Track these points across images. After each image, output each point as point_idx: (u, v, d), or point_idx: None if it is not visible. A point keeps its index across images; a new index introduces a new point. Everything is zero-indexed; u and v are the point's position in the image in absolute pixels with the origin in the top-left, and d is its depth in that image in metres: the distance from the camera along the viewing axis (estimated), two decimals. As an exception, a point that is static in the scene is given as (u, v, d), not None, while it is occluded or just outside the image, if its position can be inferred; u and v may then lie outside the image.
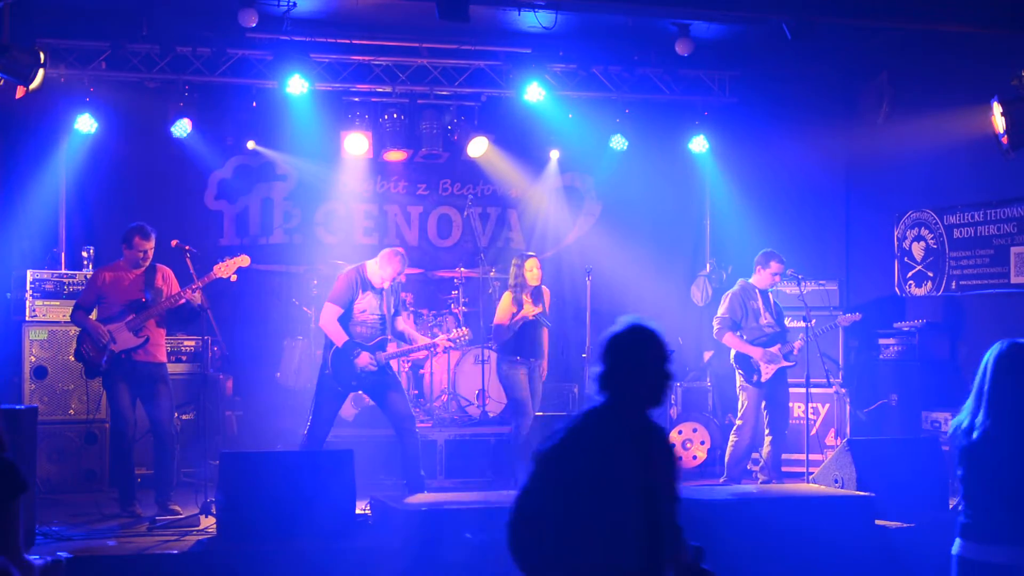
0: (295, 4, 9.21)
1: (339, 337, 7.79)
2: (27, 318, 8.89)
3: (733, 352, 8.89)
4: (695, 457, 10.12)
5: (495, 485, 8.82)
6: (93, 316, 7.81)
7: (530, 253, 8.87)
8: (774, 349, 8.83)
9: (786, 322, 9.20)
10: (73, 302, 8.06)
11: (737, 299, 8.94)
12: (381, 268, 7.89)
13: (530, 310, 8.56)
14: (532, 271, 8.67)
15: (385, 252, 8.00)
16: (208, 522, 6.99)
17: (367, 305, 7.87)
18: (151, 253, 7.79)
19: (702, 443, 10.13)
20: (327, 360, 7.83)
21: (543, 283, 8.90)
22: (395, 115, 10.41)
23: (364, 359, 7.78)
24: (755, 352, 8.79)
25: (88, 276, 8.61)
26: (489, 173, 11.16)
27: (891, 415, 9.56)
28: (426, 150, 10.59)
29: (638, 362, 3.54)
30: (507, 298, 8.71)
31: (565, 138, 10.97)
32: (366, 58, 10.30)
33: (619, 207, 11.42)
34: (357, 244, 10.85)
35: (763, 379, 8.77)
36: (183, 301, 7.65)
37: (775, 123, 10.83)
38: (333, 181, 10.82)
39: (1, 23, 7.68)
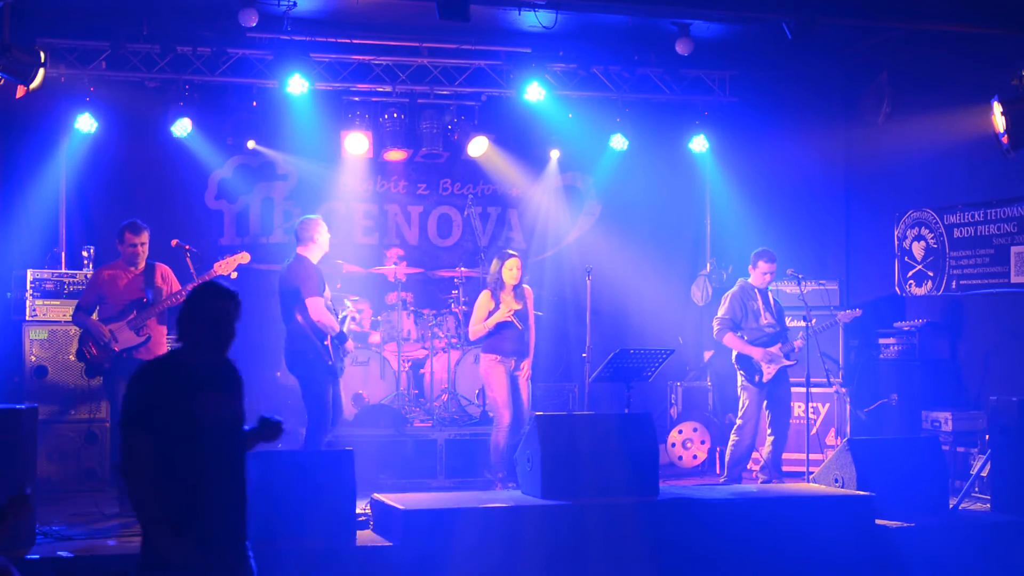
0: (295, 4, 9.21)
1: (335, 325, 7.84)
2: (27, 318, 8.89)
3: (735, 352, 8.90)
4: (695, 457, 10.14)
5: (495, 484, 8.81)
6: (95, 316, 7.81)
7: (512, 253, 8.76)
8: (774, 349, 8.82)
9: (787, 322, 9.20)
10: (74, 302, 8.06)
11: (737, 300, 8.95)
12: (320, 236, 7.93)
13: (505, 311, 8.47)
14: (511, 271, 8.56)
15: (305, 223, 8.00)
16: (208, 522, 6.98)
17: (328, 293, 7.98)
18: (145, 249, 7.76)
19: (702, 443, 10.14)
20: (329, 352, 7.76)
21: (532, 284, 8.88)
22: (395, 115, 10.42)
23: (350, 343, 8.11)
24: (755, 352, 8.78)
25: (88, 276, 8.60)
26: (489, 173, 11.16)
27: (891, 415, 9.56)
28: (426, 150, 10.60)
29: None
30: (484, 296, 8.66)
31: (565, 138, 10.97)
32: (366, 58, 10.30)
33: (619, 207, 11.42)
34: (357, 244, 10.85)
35: (765, 379, 8.77)
36: (184, 299, 7.63)
37: (775, 123, 10.84)
38: (333, 181, 10.83)
39: (1, 23, 7.66)
